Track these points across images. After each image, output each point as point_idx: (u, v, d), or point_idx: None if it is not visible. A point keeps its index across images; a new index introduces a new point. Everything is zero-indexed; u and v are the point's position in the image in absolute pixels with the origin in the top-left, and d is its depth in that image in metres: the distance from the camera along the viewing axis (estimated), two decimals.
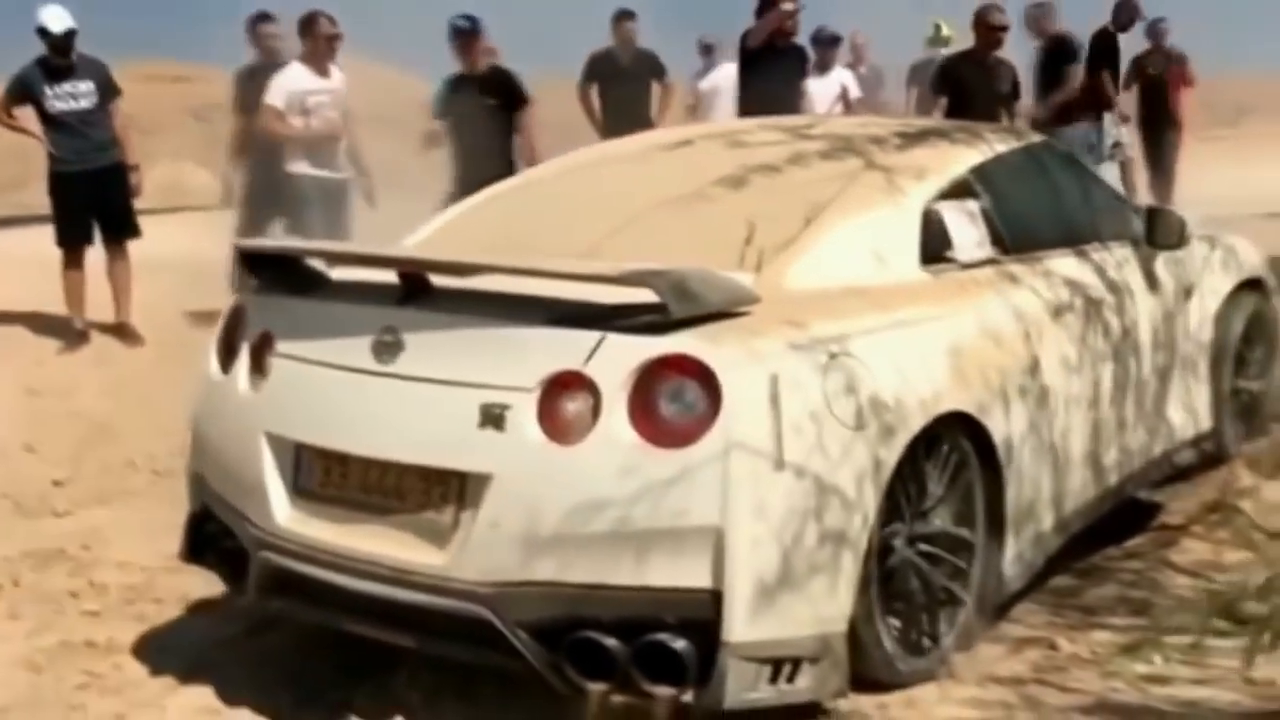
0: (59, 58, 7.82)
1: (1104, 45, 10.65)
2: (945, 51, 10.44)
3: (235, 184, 8.69)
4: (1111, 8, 10.61)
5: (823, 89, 9.71)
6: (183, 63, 22.27)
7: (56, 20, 7.76)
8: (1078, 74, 9.25)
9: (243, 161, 8.52)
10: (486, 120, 8.07)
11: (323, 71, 8.05)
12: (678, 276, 3.13)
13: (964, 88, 8.52)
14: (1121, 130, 10.26)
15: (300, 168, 7.96)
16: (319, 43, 8.03)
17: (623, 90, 9.53)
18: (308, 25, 8.06)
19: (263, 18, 8.57)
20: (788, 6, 8.61)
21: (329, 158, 8.05)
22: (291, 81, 7.98)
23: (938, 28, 10.43)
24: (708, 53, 10.37)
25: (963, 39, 9.77)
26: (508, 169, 7.97)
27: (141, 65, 18.21)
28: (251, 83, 8.40)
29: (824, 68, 9.89)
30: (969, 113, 7.64)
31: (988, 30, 8.64)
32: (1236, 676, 3.48)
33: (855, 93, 10.06)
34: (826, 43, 9.99)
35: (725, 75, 10.00)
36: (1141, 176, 10.76)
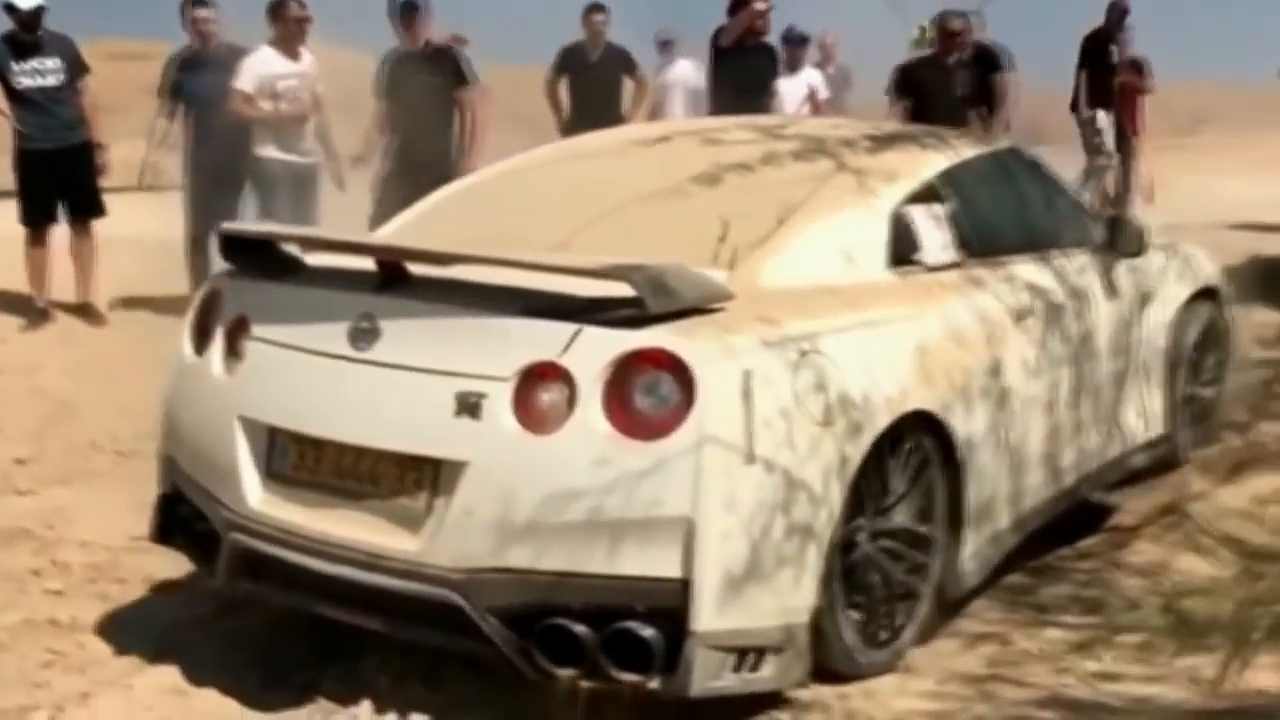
0: (26, 34, 7.77)
1: (1090, 46, 10.84)
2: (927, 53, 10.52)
3: (173, 167, 8.55)
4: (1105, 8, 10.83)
5: (791, 88, 9.77)
6: (143, 40, 22.01)
7: None
8: (1005, 83, 9.36)
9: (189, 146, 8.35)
10: (429, 99, 8.01)
11: (293, 55, 8.03)
12: (655, 271, 3.19)
13: (924, 91, 8.72)
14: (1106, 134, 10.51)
15: (269, 151, 7.93)
16: (289, 25, 8.00)
17: (592, 84, 9.46)
18: (278, 9, 8.02)
19: (197, 2, 8.35)
20: (760, 6, 8.69)
21: (297, 141, 8.03)
22: (261, 65, 7.95)
23: (922, 30, 10.43)
24: (665, 48, 10.40)
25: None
26: (447, 150, 7.99)
27: (102, 43, 18.02)
28: (183, 69, 8.30)
29: (793, 67, 9.94)
30: (929, 116, 7.76)
31: (946, 36, 8.93)
32: (1184, 675, 3.57)
33: (823, 93, 10.12)
34: (796, 42, 10.03)
35: (679, 71, 10.13)
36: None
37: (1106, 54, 10.97)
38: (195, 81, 8.15)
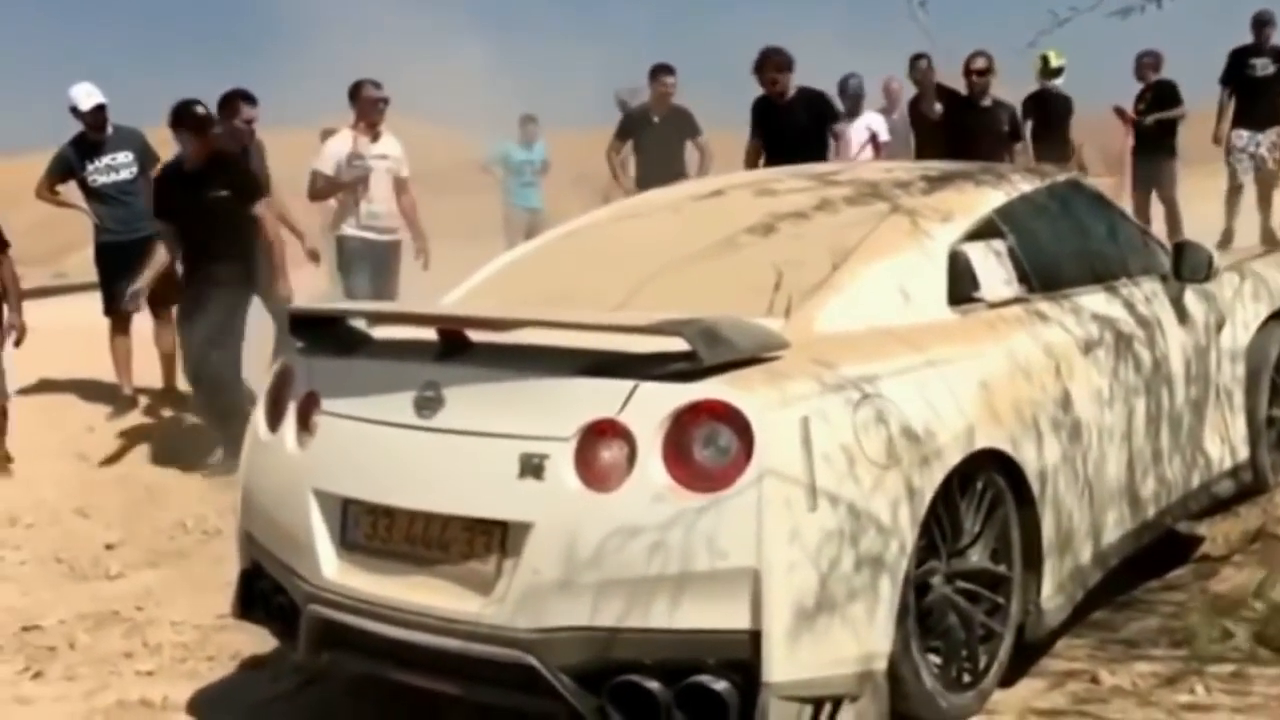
0: (93, 133, 8.02)
1: (1230, 62, 10.90)
2: (1057, 83, 10.57)
3: None
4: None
5: (853, 133, 9.85)
6: None
7: (86, 97, 7.97)
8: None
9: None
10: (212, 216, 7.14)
11: (372, 136, 8.18)
12: (707, 324, 3.21)
13: (962, 131, 9.01)
14: None
15: (349, 229, 8.11)
16: (365, 107, 8.15)
17: (655, 149, 9.43)
18: (355, 91, 8.19)
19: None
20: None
21: (375, 220, 8.16)
22: (340, 147, 8.14)
23: (1045, 59, 10.43)
24: (624, 109, 10.62)
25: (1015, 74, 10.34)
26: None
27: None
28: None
29: (853, 113, 10.03)
30: (970, 155, 7.80)
31: (968, 75, 9.33)
32: (1277, 703, 3.49)
33: (884, 136, 10.16)
34: (851, 94, 10.16)
35: None
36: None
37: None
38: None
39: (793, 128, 8.28)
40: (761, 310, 3.58)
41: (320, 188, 8.14)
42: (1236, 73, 10.89)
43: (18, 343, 7.18)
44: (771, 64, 8.33)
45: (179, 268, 7.55)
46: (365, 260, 8.08)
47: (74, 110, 8.01)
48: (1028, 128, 10.25)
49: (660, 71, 9.57)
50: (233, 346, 7.09)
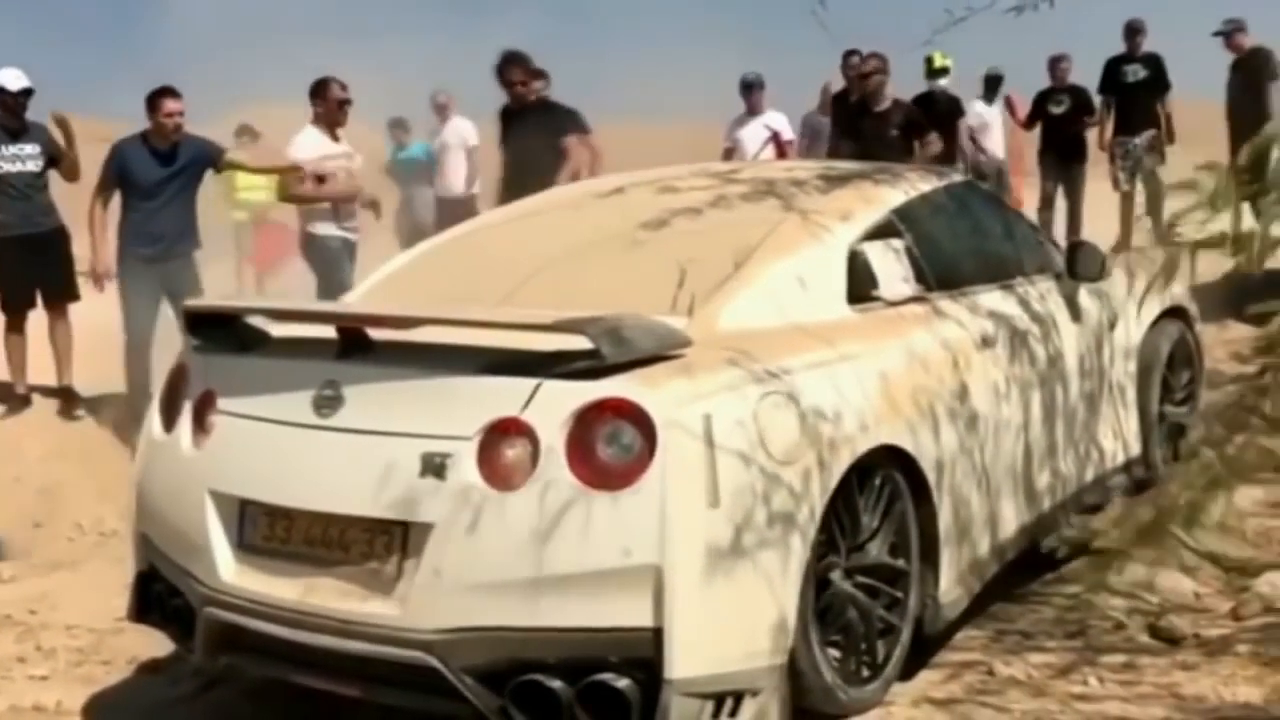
0: (10, 119, 7.77)
1: (1105, 71, 11.13)
2: (943, 83, 10.71)
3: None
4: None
5: (750, 133, 9.87)
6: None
7: (15, 80, 7.72)
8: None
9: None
10: None
11: (335, 135, 8.11)
12: (610, 322, 3.22)
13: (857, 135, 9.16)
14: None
15: (328, 229, 8.00)
16: (331, 106, 8.07)
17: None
18: (321, 89, 8.07)
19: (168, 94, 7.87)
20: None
21: (348, 218, 8.12)
22: (311, 145, 8.01)
23: (929, 60, 10.54)
24: (441, 110, 10.95)
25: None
26: None
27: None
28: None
29: (751, 111, 10.03)
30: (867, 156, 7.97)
31: (859, 77, 9.61)
32: (1166, 693, 3.58)
33: (787, 134, 10.17)
34: (749, 87, 10.11)
35: (453, 130, 10.89)
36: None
37: (1110, 81, 11.25)
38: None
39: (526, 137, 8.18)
40: (664, 308, 3.59)
41: (307, 191, 7.95)
42: (1112, 80, 11.19)
43: None
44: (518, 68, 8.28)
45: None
46: (345, 259, 8.01)
47: None
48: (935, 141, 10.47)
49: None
50: None
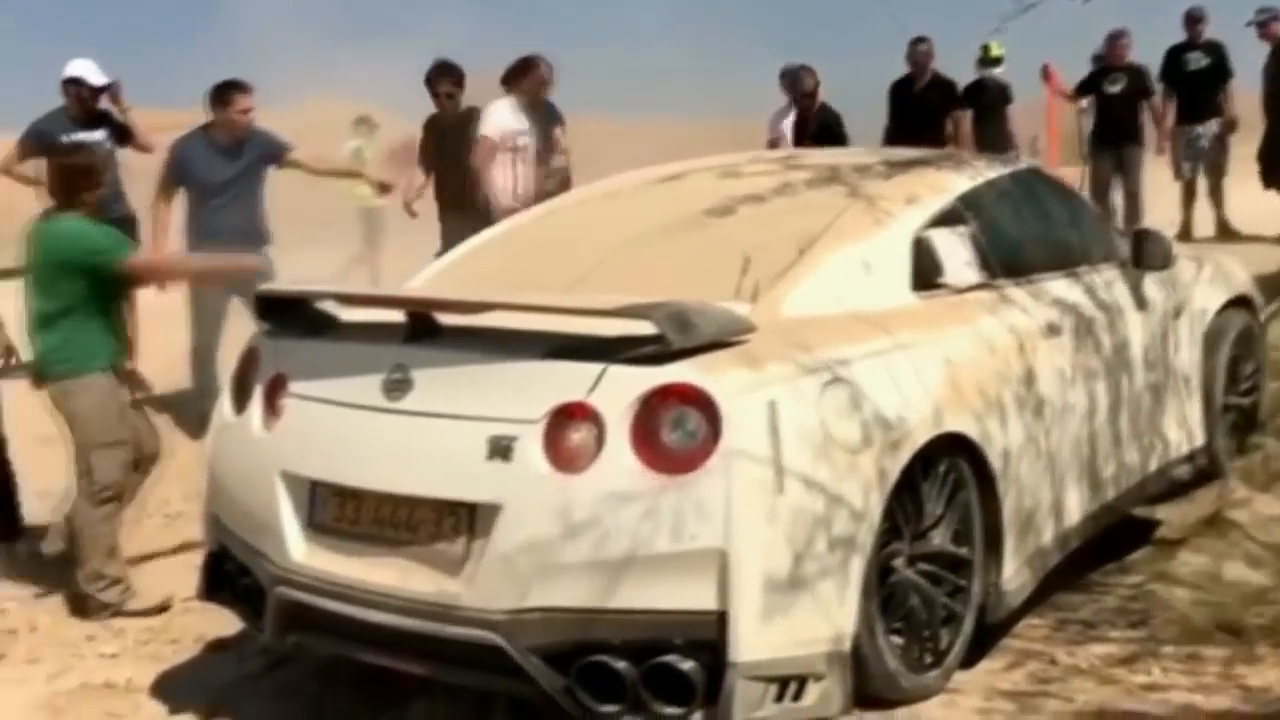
0: (84, 111, 7.67)
1: (1166, 59, 10.98)
2: (997, 72, 10.66)
3: None
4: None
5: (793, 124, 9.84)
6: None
7: (95, 74, 7.64)
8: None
9: None
10: None
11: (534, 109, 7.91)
12: (675, 308, 3.24)
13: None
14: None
15: (508, 201, 7.61)
16: (536, 84, 7.89)
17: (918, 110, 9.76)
18: (526, 68, 7.87)
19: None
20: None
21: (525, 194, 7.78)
22: (513, 118, 7.84)
23: (986, 49, 10.50)
24: None
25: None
26: None
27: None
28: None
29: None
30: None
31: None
32: (1231, 684, 3.56)
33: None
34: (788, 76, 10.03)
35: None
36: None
37: (1171, 71, 11.07)
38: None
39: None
40: (729, 294, 3.61)
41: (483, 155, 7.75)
42: (1173, 69, 11.00)
43: None
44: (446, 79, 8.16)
45: None
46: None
47: (74, 82, 7.65)
48: (968, 117, 10.42)
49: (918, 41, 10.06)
50: None
